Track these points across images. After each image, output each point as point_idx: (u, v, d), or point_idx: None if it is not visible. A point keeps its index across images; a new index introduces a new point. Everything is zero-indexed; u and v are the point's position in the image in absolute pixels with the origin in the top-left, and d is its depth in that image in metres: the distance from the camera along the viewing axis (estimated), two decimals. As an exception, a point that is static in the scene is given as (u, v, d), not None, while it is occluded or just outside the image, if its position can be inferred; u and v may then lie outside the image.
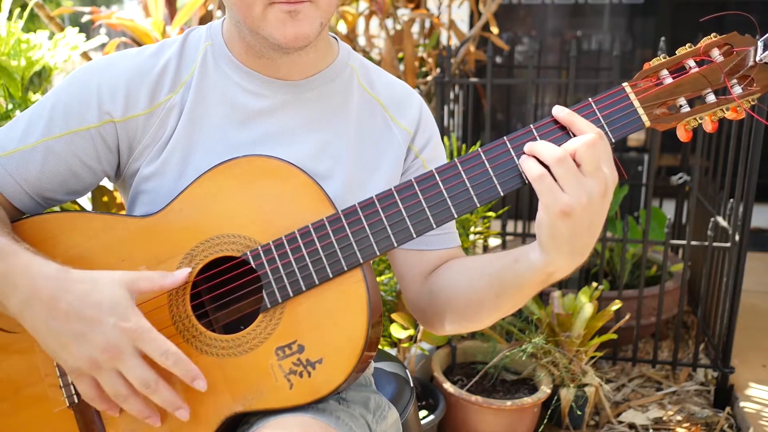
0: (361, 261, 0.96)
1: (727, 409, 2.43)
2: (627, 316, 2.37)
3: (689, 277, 2.94)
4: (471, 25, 4.03)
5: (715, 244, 2.45)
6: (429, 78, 3.04)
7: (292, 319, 0.98)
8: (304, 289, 0.97)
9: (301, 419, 0.95)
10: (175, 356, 0.90)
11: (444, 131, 2.68)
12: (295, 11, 0.97)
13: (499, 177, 0.93)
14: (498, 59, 4.41)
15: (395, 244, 0.96)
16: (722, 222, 2.55)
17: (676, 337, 2.55)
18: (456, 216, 0.95)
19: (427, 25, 3.39)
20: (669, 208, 3.56)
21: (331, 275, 0.96)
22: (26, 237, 1.01)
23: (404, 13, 3.10)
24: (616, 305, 2.31)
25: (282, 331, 0.98)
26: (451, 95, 2.98)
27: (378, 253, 0.96)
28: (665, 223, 2.80)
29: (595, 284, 2.37)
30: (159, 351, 0.89)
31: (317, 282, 0.97)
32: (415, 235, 0.96)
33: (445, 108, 2.68)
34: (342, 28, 2.98)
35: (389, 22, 3.37)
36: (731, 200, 2.41)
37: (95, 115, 1.05)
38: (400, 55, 3.01)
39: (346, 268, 0.96)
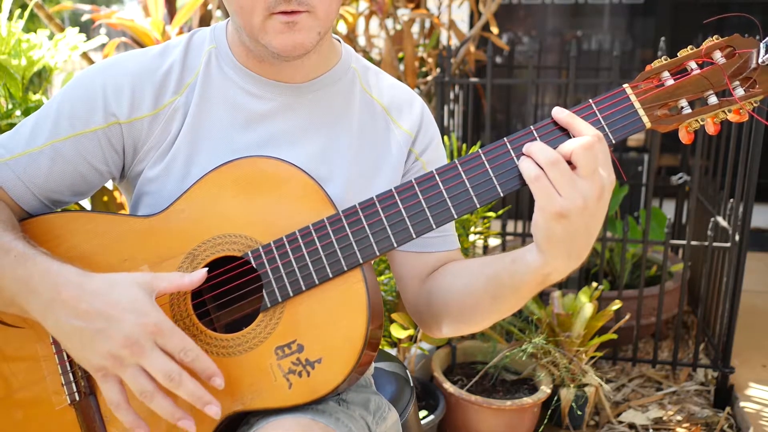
0: (361, 261, 0.96)
1: (727, 409, 2.44)
2: (627, 316, 2.37)
3: (689, 277, 2.94)
4: (471, 25, 4.03)
5: (715, 244, 2.45)
6: (429, 78, 3.04)
7: (291, 319, 0.98)
8: (304, 288, 0.97)
9: (300, 420, 0.95)
10: (195, 353, 0.90)
11: (444, 131, 2.68)
12: (293, 22, 0.98)
13: (499, 178, 0.93)
14: (498, 59, 4.41)
15: (395, 245, 0.96)
16: (722, 222, 2.55)
17: (676, 337, 2.55)
18: (456, 216, 0.94)
19: (427, 25, 3.39)
20: (669, 208, 3.56)
21: (330, 275, 0.97)
22: (29, 237, 1.01)
23: (404, 13, 3.11)
24: (616, 305, 2.31)
25: (282, 331, 0.98)
26: (451, 95, 2.98)
27: (378, 254, 0.96)
28: (665, 223, 2.80)
29: (595, 284, 2.37)
30: (179, 347, 0.89)
31: (317, 282, 0.97)
32: (414, 236, 0.96)
33: (445, 108, 2.68)
34: (342, 28, 2.98)
35: (389, 22, 3.37)
36: (731, 200, 2.41)
37: (101, 116, 1.05)
38: (400, 55, 3.01)
39: (345, 268, 0.96)
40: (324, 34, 1.03)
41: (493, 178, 0.93)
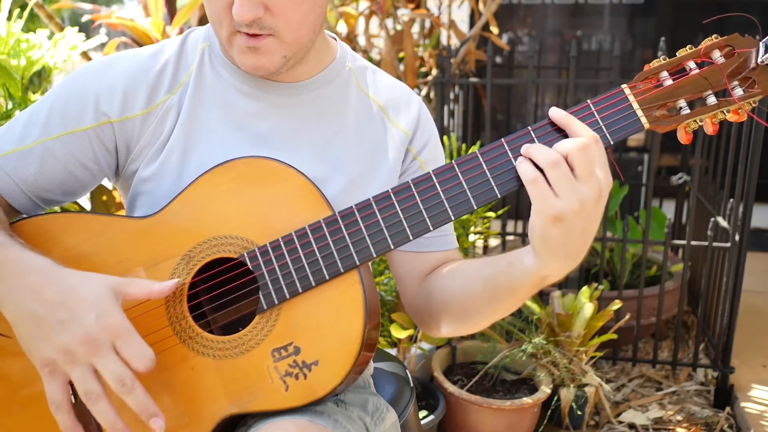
0: (357, 263, 0.96)
1: (727, 409, 2.43)
2: (627, 316, 2.37)
3: (689, 277, 2.94)
4: (471, 25, 4.02)
5: (715, 244, 2.44)
6: (429, 78, 3.03)
7: (288, 321, 0.98)
8: (300, 290, 0.97)
9: (298, 422, 0.95)
10: (152, 362, 0.88)
11: (444, 131, 2.68)
12: (255, 47, 0.98)
13: (496, 179, 0.92)
14: (498, 59, 4.40)
15: (391, 246, 0.96)
16: (722, 222, 2.55)
17: (676, 337, 2.55)
18: (453, 218, 0.94)
19: (427, 25, 3.39)
20: (669, 208, 3.56)
21: (327, 277, 0.96)
22: (23, 238, 1.00)
23: (404, 13, 3.10)
24: (616, 305, 2.31)
25: (278, 333, 0.97)
26: (451, 95, 2.98)
27: (374, 255, 0.96)
28: (665, 223, 2.80)
29: (595, 284, 2.37)
30: (136, 352, 0.87)
31: (313, 283, 0.96)
32: (411, 237, 0.95)
33: (445, 108, 2.68)
34: (342, 28, 2.97)
35: (389, 22, 3.37)
36: (731, 200, 2.41)
37: (92, 116, 1.05)
38: (401, 55, 3.00)
39: (342, 270, 0.96)
40: (292, 58, 1.02)
41: (491, 180, 0.92)
